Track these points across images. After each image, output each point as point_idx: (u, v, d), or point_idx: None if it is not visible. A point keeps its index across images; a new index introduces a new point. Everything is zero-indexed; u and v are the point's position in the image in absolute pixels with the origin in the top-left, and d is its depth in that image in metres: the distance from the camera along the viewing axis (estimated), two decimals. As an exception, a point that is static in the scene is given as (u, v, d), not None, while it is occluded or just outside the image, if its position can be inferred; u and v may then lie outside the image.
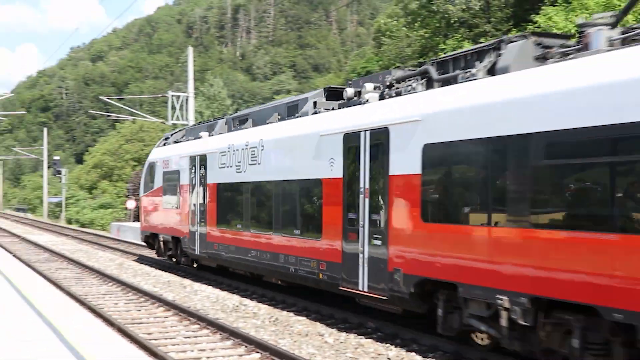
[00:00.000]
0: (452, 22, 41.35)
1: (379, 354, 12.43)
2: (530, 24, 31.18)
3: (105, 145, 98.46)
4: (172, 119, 45.57)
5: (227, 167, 20.67)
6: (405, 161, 12.82)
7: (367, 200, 13.89)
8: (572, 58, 10.52)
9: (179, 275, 23.76)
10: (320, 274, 15.44)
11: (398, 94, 14.07)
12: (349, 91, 15.84)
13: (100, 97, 71.99)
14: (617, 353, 9.28)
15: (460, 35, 39.25)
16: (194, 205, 23.03)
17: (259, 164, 18.75)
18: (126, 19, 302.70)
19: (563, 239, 9.63)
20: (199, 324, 15.26)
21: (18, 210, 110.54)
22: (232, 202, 20.74)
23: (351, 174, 14.51)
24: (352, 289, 14.23)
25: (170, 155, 26.01)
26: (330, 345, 13.20)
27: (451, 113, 11.90)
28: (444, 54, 33.98)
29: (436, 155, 12.21)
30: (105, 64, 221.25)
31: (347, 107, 15.71)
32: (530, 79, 10.71)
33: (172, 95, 46.15)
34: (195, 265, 24.41)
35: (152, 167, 28.00)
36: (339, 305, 16.24)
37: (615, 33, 10.52)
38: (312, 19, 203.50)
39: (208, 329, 14.78)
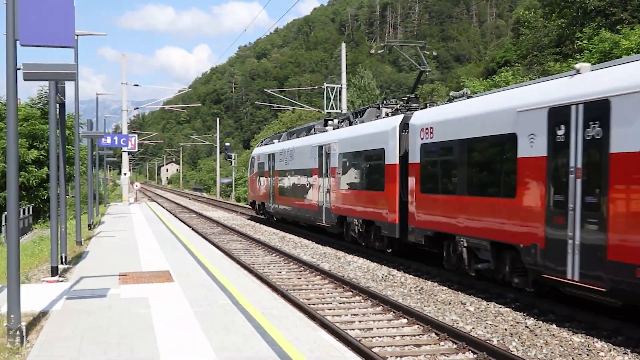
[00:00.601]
0: (588, 11, 39.49)
1: (517, 322, 12.17)
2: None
3: (269, 133, 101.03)
4: (327, 108, 46.14)
5: (282, 161, 32.62)
6: (335, 160, 24.38)
7: (326, 180, 25.48)
8: (370, 121, 22.78)
9: (333, 248, 24.10)
10: (312, 217, 27.36)
11: (337, 128, 25.77)
12: (328, 123, 27.08)
13: (264, 90, 73.79)
14: (384, 240, 20.64)
15: (596, 24, 37.43)
16: (270, 183, 35.16)
17: (293, 159, 30.61)
18: (286, 20, 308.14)
19: (358, 193, 22.17)
20: (352, 291, 15.46)
21: (195, 189, 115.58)
22: (283, 180, 32.40)
23: (321, 165, 26.03)
24: (321, 223, 26.12)
25: (260, 152, 38.68)
26: (472, 313, 13.05)
27: (345, 139, 23.59)
28: (580, 42, 32.76)
29: (343, 158, 23.61)
30: (269, 60, 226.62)
31: (323, 132, 26.94)
32: (357, 128, 23.04)
33: (327, 87, 46.69)
34: (275, 219, 36.09)
35: (252, 159, 40.87)
36: (479, 277, 16.00)
37: (384, 111, 22.37)
38: (453, 13, 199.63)
39: (360, 295, 14.95)
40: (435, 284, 16.31)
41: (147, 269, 16.47)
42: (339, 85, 45.50)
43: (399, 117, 19.62)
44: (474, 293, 14.96)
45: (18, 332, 9.21)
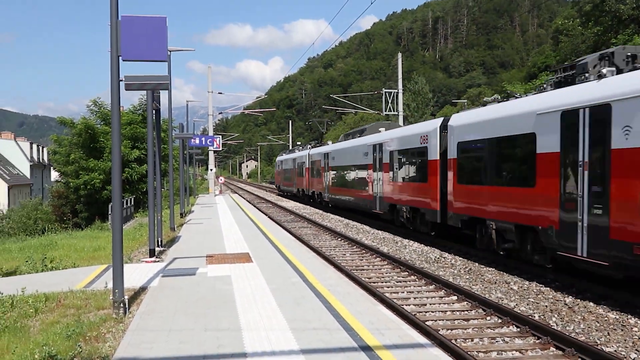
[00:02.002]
0: (622, 19, 38.09)
1: (557, 300, 11.86)
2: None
3: (335, 132, 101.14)
4: (385, 111, 45.89)
5: (285, 163, 54.21)
6: (299, 166, 45.90)
7: (299, 173, 45.99)
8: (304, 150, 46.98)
9: (391, 233, 23.95)
10: (295, 191, 48.16)
11: (299, 151, 48.69)
12: (300, 148, 50.62)
13: (331, 95, 73.81)
14: (315, 198, 41.77)
15: (630, 30, 36.06)
16: (281, 175, 57.49)
17: (287, 164, 52.65)
18: (349, 34, 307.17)
19: (312, 179, 41.88)
20: (407, 272, 15.35)
21: (271, 182, 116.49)
22: (285, 174, 54.38)
23: (295, 168, 48.30)
24: (295, 192, 48.97)
25: (280, 159, 59.31)
26: (515, 292, 12.79)
27: (296, 156, 47.45)
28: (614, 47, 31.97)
29: (299, 165, 46.07)
30: (334, 69, 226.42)
31: (295, 152, 50.92)
32: (300, 153, 47.22)
33: (386, 92, 46.42)
34: (283, 193, 59.17)
35: (276, 162, 62.77)
36: (522, 259, 15.63)
37: (308, 146, 48.37)
38: (498, 24, 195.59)
39: (415, 275, 14.83)
40: (482, 265, 16.04)
41: (230, 251, 16.71)
42: (396, 91, 45.17)
43: (308, 150, 42.96)
44: (517, 274, 14.65)
45: (122, 305, 9.47)
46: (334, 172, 34.25)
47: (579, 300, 11.77)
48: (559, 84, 13.91)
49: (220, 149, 47.80)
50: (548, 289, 12.84)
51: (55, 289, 11.43)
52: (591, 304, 11.45)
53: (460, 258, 17.30)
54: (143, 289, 11.43)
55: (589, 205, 11.88)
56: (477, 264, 16.28)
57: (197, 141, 40.51)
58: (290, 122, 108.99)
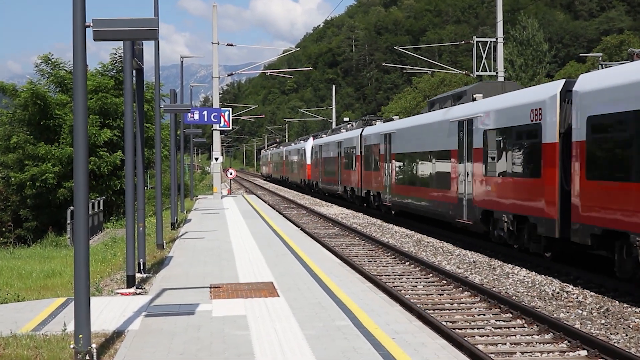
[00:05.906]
0: None
1: None
2: None
3: (400, 103, 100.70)
4: (477, 70, 45.46)
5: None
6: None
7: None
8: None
9: (486, 255, 23.77)
10: (298, 181, 74.24)
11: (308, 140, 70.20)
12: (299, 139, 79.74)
13: (394, 47, 73.66)
14: None
15: None
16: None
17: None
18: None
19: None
20: (511, 313, 15.23)
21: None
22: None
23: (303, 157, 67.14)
24: (298, 182, 77.20)
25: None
26: (676, 345, 12.60)
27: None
28: None
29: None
30: (399, 8, 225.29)
31: (303, 142, 74.37)
32: (288, 147, 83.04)
33: (478, 42, 46.04)
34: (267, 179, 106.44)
35: (278, 153, 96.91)
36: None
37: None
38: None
39: (522, 318, 14.70)
40: (626, 304, 15.81)
41: (245, 280, 16.83)
42: (494, 40, 44.80)
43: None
44: (679, 318, 14.43)
45: (88, 357, 9.59)
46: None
47: None
48: None
49: (230, 128, 48.08)
50: None
51: (-8, 332, 11.66)
52: None
53: (592, 293, 17.10)
54: (118, 334, 11.59)
55: None
56: (617, 302, 16.07)
57: (197, 116, 40.88)
58: (333, 87, 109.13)
